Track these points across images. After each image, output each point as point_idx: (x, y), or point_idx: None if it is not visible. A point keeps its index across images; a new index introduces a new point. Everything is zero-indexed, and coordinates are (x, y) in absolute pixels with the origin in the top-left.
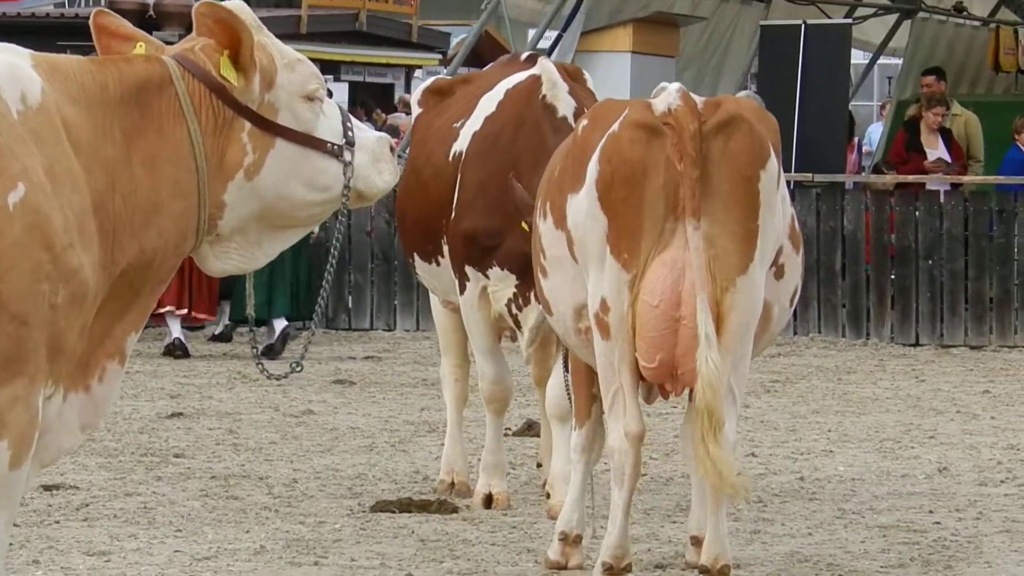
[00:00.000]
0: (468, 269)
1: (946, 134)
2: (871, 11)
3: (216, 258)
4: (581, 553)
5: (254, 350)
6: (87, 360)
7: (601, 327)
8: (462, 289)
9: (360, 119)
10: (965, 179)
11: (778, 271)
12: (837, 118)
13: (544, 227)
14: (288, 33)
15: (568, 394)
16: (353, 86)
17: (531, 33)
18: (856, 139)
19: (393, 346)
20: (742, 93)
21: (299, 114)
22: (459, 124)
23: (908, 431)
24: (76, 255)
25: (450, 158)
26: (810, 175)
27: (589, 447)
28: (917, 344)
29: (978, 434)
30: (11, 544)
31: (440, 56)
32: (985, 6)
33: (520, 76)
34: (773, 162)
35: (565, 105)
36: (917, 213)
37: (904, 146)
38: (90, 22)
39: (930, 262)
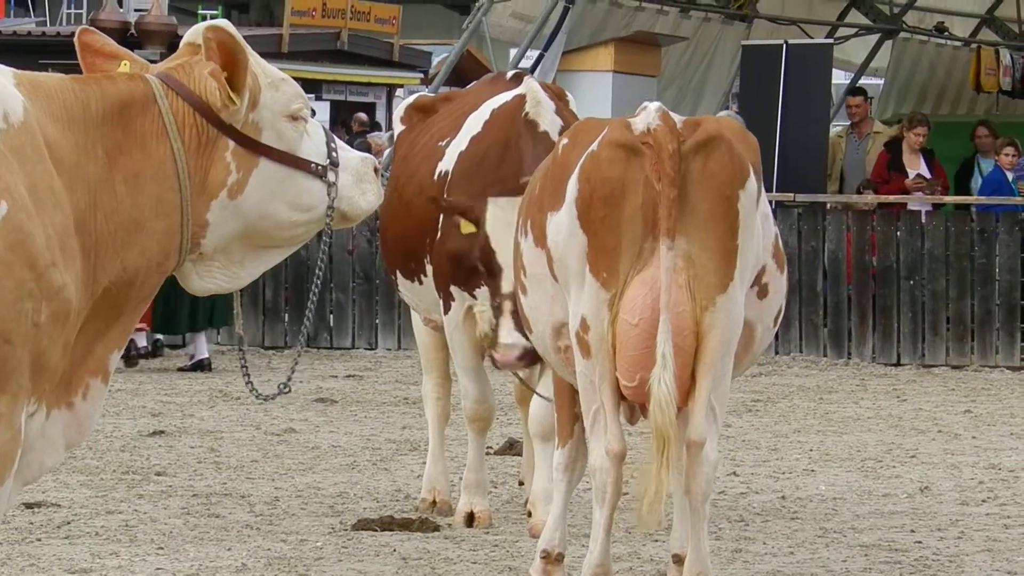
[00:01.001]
0: (454, 289)
1: (928, 154)
2: (852, 31)
3: (199, 277)
4: (563, 571)
5: (243, 370)
6: (70, 378)
7: (581, 346)
8: (447, 309)
9: (341, 138)
10: (947, 199)
11: (762, 290)
12: (818, 138)
13: (525, 245)
14: (270, 52)
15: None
16: (335, 105)
17: (512, 52)
18: None
19: (375, 365)
20: (723, 113)
21: (283, 134)
22: (444, 143)
23: (889, 451)
24: (59, 273)
25: (435, 177)
26: (791, 195)
27: (572, 465)
28: (898, 364)
29: (959, 454)
30: None
31: (422, 75)
32: (966, 27)
33: (506, 96)
34: (752, 182)
35: (550, 124)
36: (899, 233)
37: (886, 166)
38: (75, 40)
39: (911, 282)
